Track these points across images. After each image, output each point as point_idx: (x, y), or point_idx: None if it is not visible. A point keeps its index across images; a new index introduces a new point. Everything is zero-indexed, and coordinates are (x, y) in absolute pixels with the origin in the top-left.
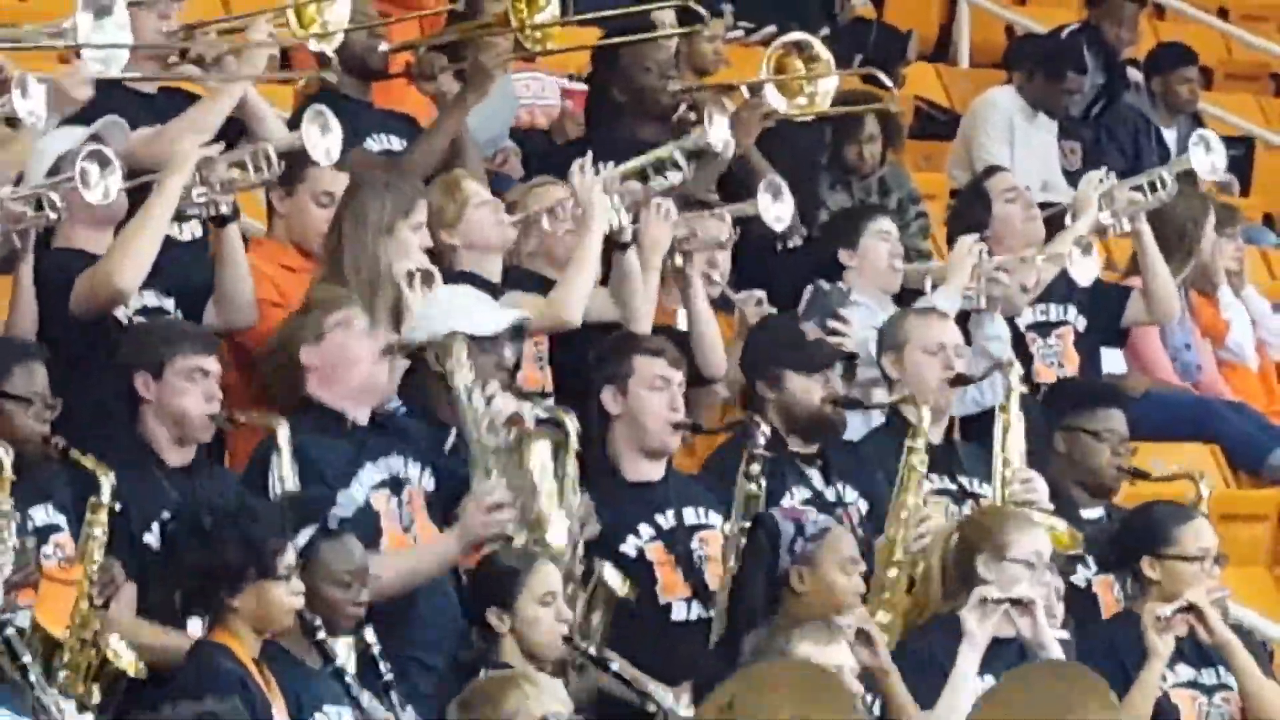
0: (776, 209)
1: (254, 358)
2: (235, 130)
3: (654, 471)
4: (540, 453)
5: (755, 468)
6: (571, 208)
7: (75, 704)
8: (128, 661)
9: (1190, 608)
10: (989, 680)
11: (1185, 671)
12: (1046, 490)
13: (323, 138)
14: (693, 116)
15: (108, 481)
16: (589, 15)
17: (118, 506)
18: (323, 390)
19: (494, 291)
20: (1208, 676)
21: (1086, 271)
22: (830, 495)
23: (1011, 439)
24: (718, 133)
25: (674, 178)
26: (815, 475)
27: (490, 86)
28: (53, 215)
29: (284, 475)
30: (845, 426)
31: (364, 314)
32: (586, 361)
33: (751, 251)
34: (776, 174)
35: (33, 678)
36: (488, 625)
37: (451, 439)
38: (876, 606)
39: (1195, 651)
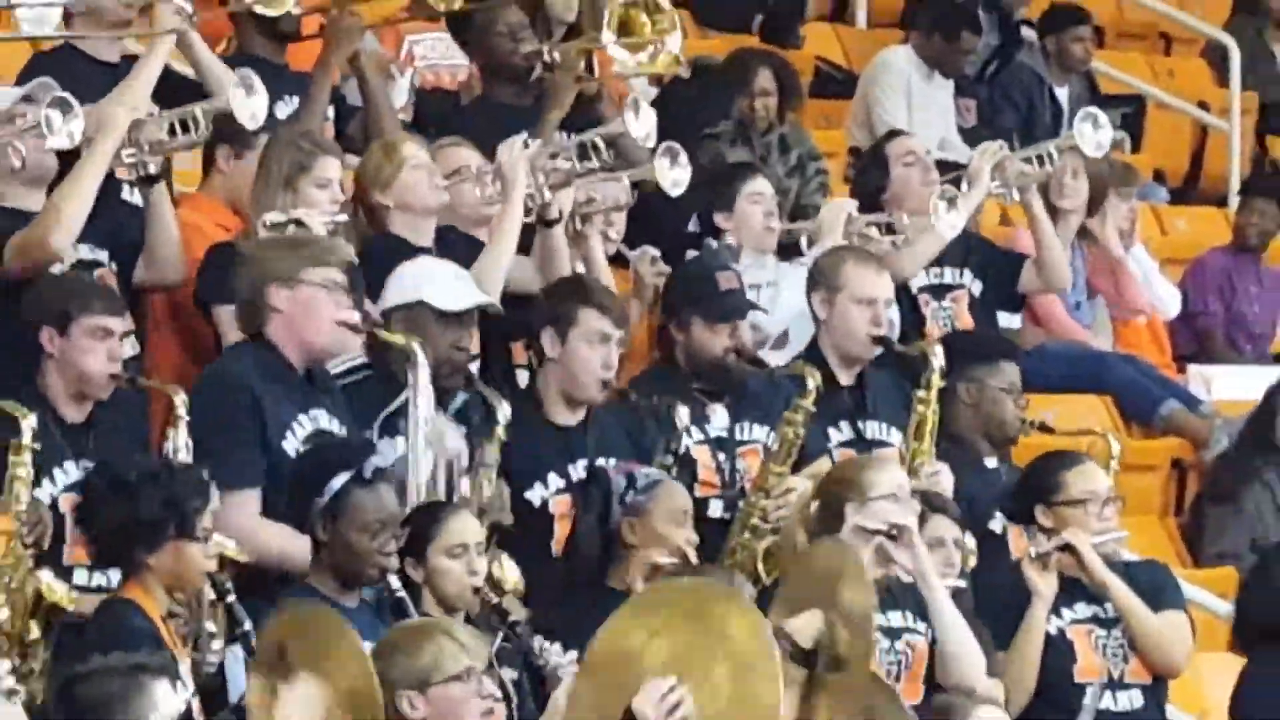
0: (674, 174)
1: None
2: (190, 87)
3: (573, 418)
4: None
5: (673, 447)
6: (492, 181)
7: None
8: (61, 595)
9: (1066, 547)
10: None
11: (1083, 609)
12: (951, 481)
13: (248, 100)
14: (548, 77)
15: (28, 424)
16: None
17: (38, 446)
18: (281, 334)
19: (424, 253)
20: (1109, 611)
21: (950, 225)
22: (735, 433)
23: (925, 431)
24: (639, 126)
25: (595, 163)
26: (721, 413)
27: (356, 41)
28: (17, 164)
29: (178, 446)
30: (740, 384)
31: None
32: (509, 330)
33: (640, 208)
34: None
35: None
36: (406, 577)
37: (397, 403)
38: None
39: (1096, 587)
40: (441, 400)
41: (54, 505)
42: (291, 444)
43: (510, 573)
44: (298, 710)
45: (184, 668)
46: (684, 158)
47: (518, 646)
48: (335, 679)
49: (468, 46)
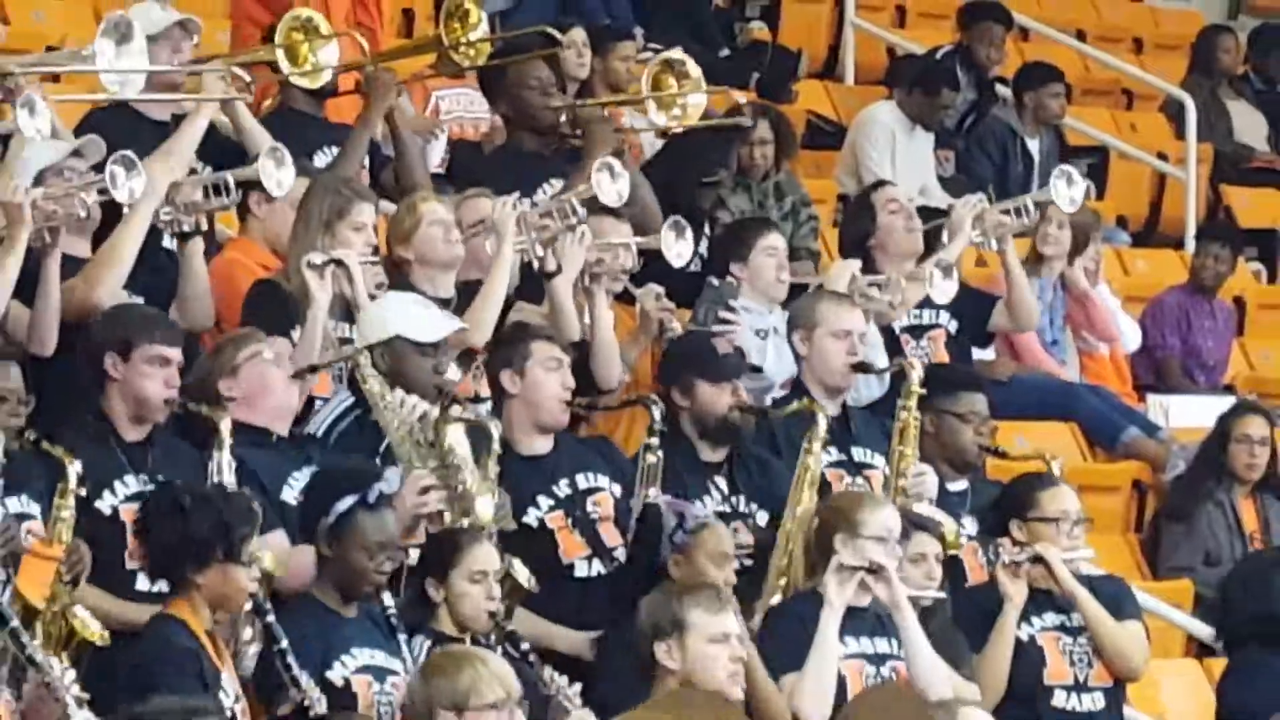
0: (678, 247)
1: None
2: (232, 151)
3: (545, 445)
4: (455, 435)
5: (654, 440)
6: (485, 234)
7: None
8: (93, 632)
9: (1037, 559)
10: (849, 642)
11: (1051, 618)
12: (935, 483)
13: (277, 170)
14: (571, 130)
15: (73, 469)
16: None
17: (83, 492)
18: (245, 414)
19: (444, 305)
20: (1075, 620)
21: (945, 293)
22: (731, 506)
23: (908, 435)
24: (613, 187)
25: (574, 220)
26: (722, 483)
27: (392, 97)
28: (83, 214)
29: (222, 466)
30: (746, 436)
31: (270, 345)
32: None
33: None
34: (649, 194)
35: (22, 639)
36: (426, 593)
37: (384, 444)
38: (772, 590)
39: (1064, 599)
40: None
41: (115, 515)
42: (290, 494)
43: (521, 572)
44: None
45: (227, 678)
46: (689, 233)
47: (526, 675)
48: None
49: (497, 98)
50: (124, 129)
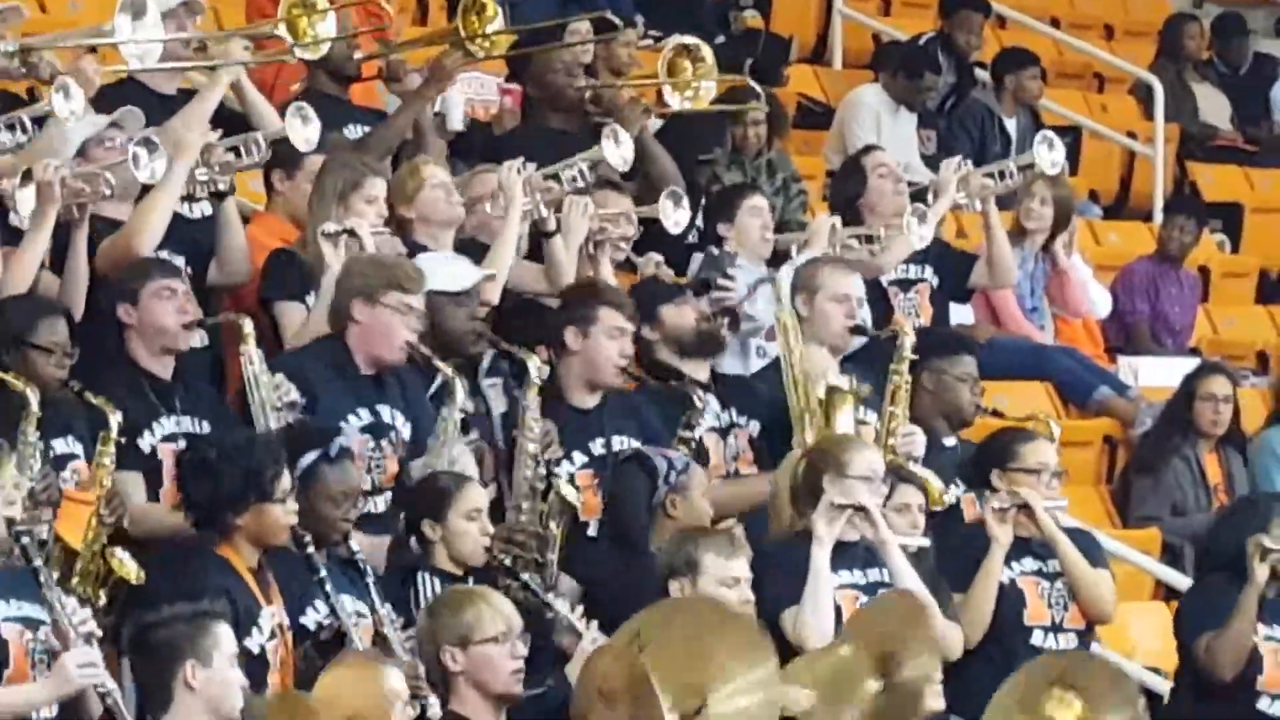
0: (676, 215)
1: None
2: (238, 123)
3: (593, 400)
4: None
5: (693, 422)
6: (498, 198)
7: (76, 600)
8: (130, 571)
9: (1023, 505)
10: (842, 574)
11: (1030, 563)
12: (924, 441)
13: (303, 128)
14: (593, 109)
15: (115, 418)
16: (527, 26)
17: (123, 440)
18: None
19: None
20: (1051, 566)
21: (922, 237)
22: (725, 420)
23: (899, 397)
24: (617, 153)
25: (580, 183)
26: (714, 402)
27: (448, 84)
28: (107, 191)
29: (252, 357)
30: (725, 342)
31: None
32: (528, 327)
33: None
34: (669, 163)
35: (42, 578)
36: (422, 534)
37: (437, 383)
38: None
39: (1040, 546)
40: (473, 365)
41: (153, 453)
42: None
43: (570, 492)
44: None
45: (267, 614)
46: (686, 202)
47: (528, 603)
48: None
49: (525, 80)
50: (135, 102)
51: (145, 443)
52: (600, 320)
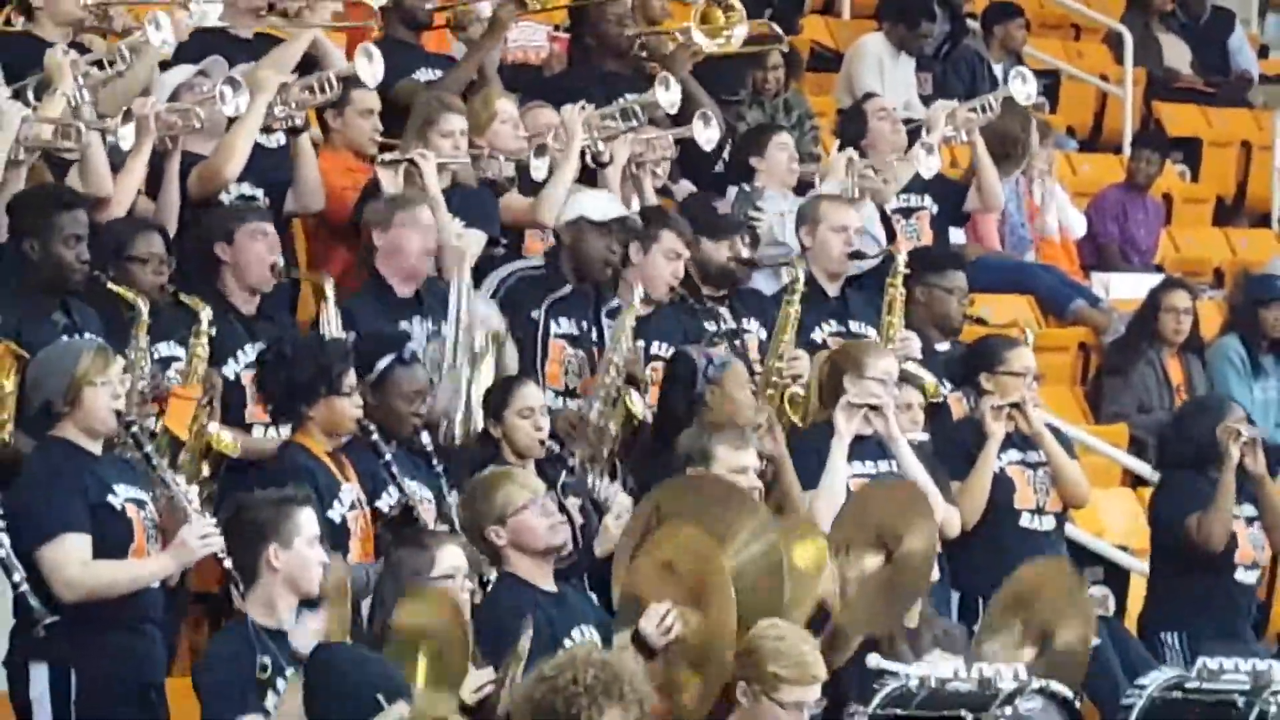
0: (707, 133)
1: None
2: (309, 65)
3: (645, 309)
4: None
5: (724, 328)
6: (559, 133)
7: (185, 477)
8: (227, 444)
9: (1015, 405)
10: (856, 465)
11: (1014, 454)
12: (919, 345)
13: (370, 66)
14: (644, 54)
15: (205, 314)
16: None
17: (214, 331)
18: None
19: (510, 183)
20: (1032, 457)
21: (930, 167)
22: (736, 325)
23: (895, 308)
24: (668, 97)
25: (634, 123)
26: (726, 313)
27: (505, 32)
28: (196, 124)
29: (329, 318)
30: (747, 280)
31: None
32: None
33: (688, 155)
34: (709, 100)
35: (154, 461)
36: (488, 434)
37: (562, 292)
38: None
39: (1022, 439)
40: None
41: (237, 380)
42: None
43: (637, 405)
44: None
45: (347, 489)
46: (715, 122)
47: (579, 484)
48: None
49: (582, 27)
50: (217, 47)
51: (229, 370)
52: (661, 240)
